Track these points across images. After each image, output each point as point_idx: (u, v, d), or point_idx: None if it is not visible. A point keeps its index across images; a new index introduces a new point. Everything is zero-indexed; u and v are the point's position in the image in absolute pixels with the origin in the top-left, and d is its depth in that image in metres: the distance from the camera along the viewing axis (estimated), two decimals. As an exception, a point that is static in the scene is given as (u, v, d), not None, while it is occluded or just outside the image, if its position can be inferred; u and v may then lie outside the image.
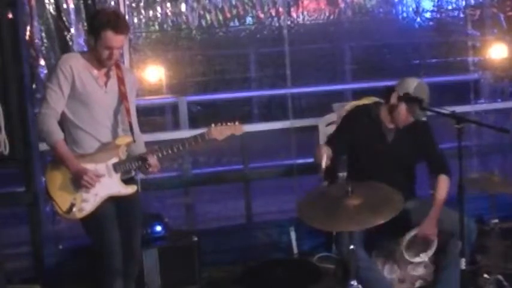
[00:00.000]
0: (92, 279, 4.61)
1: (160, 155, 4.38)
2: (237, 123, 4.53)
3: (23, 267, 5.83)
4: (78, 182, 4.23)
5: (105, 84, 4.37)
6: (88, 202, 4.29)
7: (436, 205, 4.73)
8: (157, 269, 5.34)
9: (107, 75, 4.38)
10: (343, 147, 4.70)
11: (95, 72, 4.33)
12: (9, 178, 5.87)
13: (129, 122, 4.44)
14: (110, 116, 4.41)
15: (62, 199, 4.29)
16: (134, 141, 4.43)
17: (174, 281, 5.39)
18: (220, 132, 4.47)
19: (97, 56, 4.28)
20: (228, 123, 4.50)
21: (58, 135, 4.24)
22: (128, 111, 4.42)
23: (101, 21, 4.21)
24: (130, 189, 4.44)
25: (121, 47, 4.37)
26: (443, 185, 4.81)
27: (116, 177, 4.38)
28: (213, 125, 4.47)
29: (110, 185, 4.35)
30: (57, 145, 4.24)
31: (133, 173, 4.54)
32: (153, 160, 4.36)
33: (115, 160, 4.36)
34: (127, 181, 4.44)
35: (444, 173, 4.85)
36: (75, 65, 4.27)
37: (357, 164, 4.71)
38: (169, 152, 4.39)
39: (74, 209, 4.27)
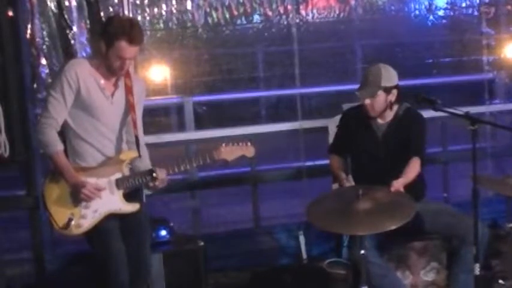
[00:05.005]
0: (93, 285, 4.55)
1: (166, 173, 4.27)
2: (249, 143, 4.36)
3: (24, 273, 5.75)
4: (77, 195, 4.12)
5: (112, 94, 4.21)
6: (86, 218, 4.17)
7: (403, 178, 4.47)
8: (162, 274, 5.25)
9: (115, 85, 4.23)
10: (346, 150, 4.79)
11: (102, 81, 4.16)
12: (10, 181, 5.82)
13: (135, 135, 4.30)
14: (115, 128, 4.26)
15: (59, 214, 4.17)
16: (140, 156, 4.30)
17: (179, 287, 5.29)
18: (230, 152, 4.30)
19: (107, 63, 4.11)
20: (239, 143, 4.34)
21: (56, 146, 4.12)
22: (134, 123, 4.28)
23: (116, 30, 4.03)
24: (131, 207, 4.29)
25: (134, 57, 4.17)
26: (414, 165, 4.60)
27: (118, 194, 4.24)
28: (223, 144, 4.31)
29: (110, 202, 4.21)
30: (55, 156, 4.13)
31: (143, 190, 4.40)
32: (161, 174, 4.22)
33: (118, 175, 4.23)
34: (130, 198, 4.29)
35: (417, 156, 4.65)
36: (82, 73, 4.09)
37: (359, 166, 4.80)
38: (176, 170, 4.25)
39: (72, 225, 4.15)
